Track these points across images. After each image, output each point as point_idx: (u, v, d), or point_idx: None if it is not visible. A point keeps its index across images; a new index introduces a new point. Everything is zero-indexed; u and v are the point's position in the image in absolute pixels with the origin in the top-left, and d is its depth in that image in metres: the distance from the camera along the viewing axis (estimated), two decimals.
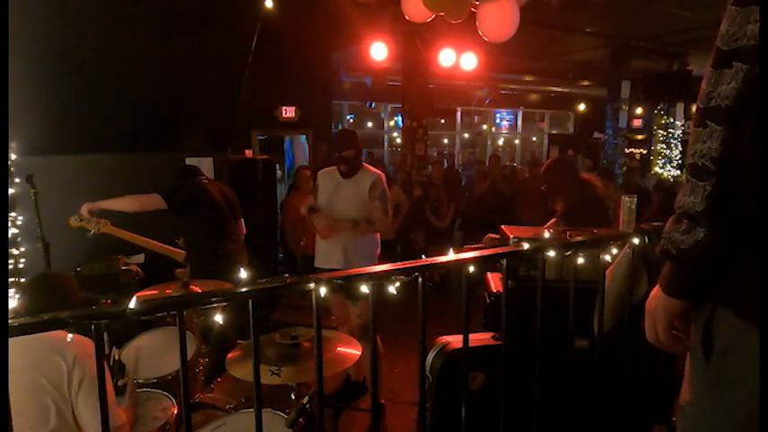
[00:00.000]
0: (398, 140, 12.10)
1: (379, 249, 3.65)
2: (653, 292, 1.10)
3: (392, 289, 1.41)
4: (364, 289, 1.36)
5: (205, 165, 4.44)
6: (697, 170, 0.96)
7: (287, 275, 1.31)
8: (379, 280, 1.38)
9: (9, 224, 3.71)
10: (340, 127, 12.78)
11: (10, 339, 1.47)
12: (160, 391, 2.39)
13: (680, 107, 12.01)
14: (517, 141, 16.14)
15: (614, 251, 1.88)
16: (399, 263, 1.43)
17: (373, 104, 11.21)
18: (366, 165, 3.66)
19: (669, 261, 1.04)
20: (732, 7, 0.93)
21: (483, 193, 6.93)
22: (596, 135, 13.70)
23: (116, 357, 2.47)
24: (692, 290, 1.02)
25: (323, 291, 1.28)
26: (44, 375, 1.75)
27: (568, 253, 1.75)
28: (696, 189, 0.96)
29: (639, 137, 12.20)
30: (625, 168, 9.72)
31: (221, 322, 1.58)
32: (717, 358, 0.98)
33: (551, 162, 4.15)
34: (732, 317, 0.95)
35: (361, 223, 3.40)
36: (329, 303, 3.59)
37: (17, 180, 3.71)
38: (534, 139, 16.69)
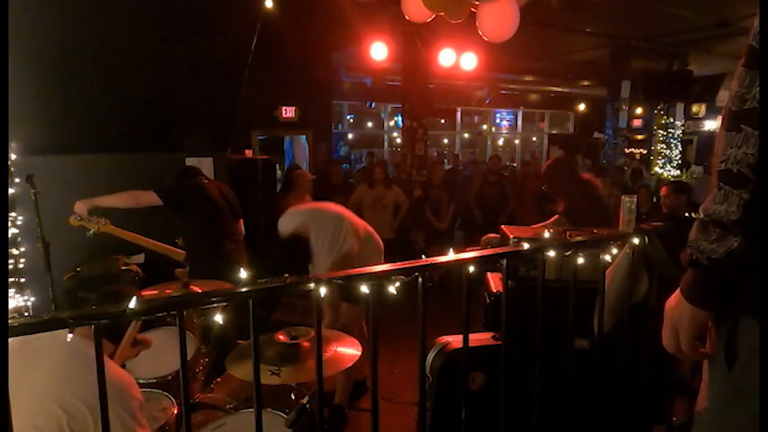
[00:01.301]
0: (398, 140, 12.10)
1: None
2: (672, 302, 1.05)
3: (392, 289, 1.41)
4: (364, 289, 1.36)
5: (205, 165, 4.44)
6: (732, 177, 0.91)
7: (287, 275, 1.31)
8: (379, 280, 1.38)
9: (9, 224, 3.71)
10: (339, 128, 12.79)
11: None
12: (160, 391, 2.39)
13: (680, 107, 12.03)
14: (517, 141, 16.15)
15: (614, 251, 1.88)
16: (399, 263, 1.43)
17: (373, 104, 11.22)
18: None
19: (697, 271, 0.99)
20: None
21: (483, 193, 6.91)
22: (596, 135, 13.71)
23: None
24: (720, 300, 0.98)
25: (323, 291, 1.28)
26: (68, 415, 1.60)
27: (568, 253, 1.75)
28: (730, 197, 0.91)
29: (639, 137, 12.22)
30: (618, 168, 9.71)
31: (221, 322, 1.57)
32: (740, 368, 0.95)
33: (552, 162, 4.15)
34: (758, 326, 0.92)
35: None
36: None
37: (17, 180, 3.71)
38: (534, 139, 16.70)
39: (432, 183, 6.88)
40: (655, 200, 7.79)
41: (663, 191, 4.04)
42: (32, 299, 3.80)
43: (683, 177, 11.47)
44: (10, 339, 0.95)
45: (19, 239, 3.80)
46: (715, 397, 1.02)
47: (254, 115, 7.29)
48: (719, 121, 0.98)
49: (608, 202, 5.35)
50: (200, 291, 2.50)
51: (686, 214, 3.82)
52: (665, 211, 3.93)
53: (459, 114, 14.43)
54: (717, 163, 0.94)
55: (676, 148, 12.07)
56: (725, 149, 0.92)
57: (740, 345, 0.95)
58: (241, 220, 3.91)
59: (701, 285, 0.99)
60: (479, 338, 2.46)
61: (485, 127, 15.44)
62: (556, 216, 3.67)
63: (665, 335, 1.07)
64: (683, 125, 12.16)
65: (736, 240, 0.91)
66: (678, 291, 1.04)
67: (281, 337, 2.19)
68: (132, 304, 1.10)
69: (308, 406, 2.02)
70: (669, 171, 11.83)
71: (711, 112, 13.01)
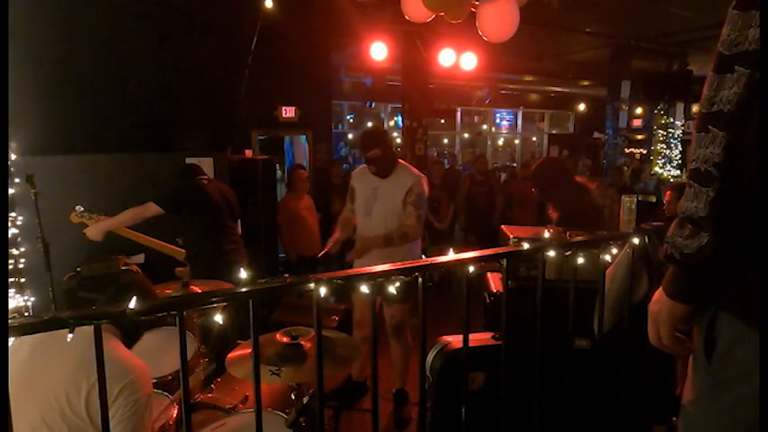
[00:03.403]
0: (398, 140, 12.10)
1: (419, 249, 3.49)
2: (656, 296, 1.10)
3: (392, 289, 1.41)
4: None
5: (205, 165, 4.44)
6: (699, 175, 0.96)
7: (287, 275, 1.31)
8: (379, 280, 1.38)
9: (9, 224, 3.71)
10: (339, 128, 12.79)
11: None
12: (160, 391, 2.39)
13: (680, 107, 12.02)
14: (517, 141, 16.15)
15: (614, 251, 1.88)
16: (399, 263, 1.43)
17: (373, 104, 11.22)
18: (405, 164, 3.44)
19: (673, 265, 1.04)
20: (733, 11, 0.92)
21: (472, 194, 6.90)
22: (596, 135, 13.72)
23: None
24: (696, 294, 1.02)
25: (323, 291, 1.29)
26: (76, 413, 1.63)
27: (568, 253, 1.75)
28: (699, 194, 0.96)
29: (639, 137, 12.21)
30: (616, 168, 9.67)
31: (221, 322, 1.58)
32: (718, 360, 0.98)
33: (541, 163, 3.77)
34: (733, 319, 0.95)
35: (394, 238, 3.22)
36: (354, 304, 3.60)
37: (17, 180, 3.71)
38: (534, 139, 16.70)
39: (432, 183, 6.87)
40: (655, 200, 7.79)
41: (667, 196, 3.96)
42: (32, 299, 3.80)
43: (683, 177, 11.45)
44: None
45: (19, 239, 3.80)
46: (697, 389, 1.06)
47: (254, 115, 7.29)
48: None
49: (604, 203, 5.29)
50: (200, 291, 2.50)
51: None
52: (667, 215, 3.85)
53: (459, 114, 14.43)
54: (689, 162, 1.00)
55: (676, 148, 12.06)
56: (695, 150, 0.98)
57: (717, 337, 0.99)
58: (237, 222, 3.91)
59: (677, 279, 1.04)
60: (479, 338, 2.46)
61: (485, 127, 15.45)
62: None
63: (649, 328, 1.12)
64: (683, 125, 12.16)
65: (706, 236, 0.96)
66: (661, 285, 1.09)
67: (281, 336, 2.19)
68: (132, 304, 1.10)
69: (307, 405, 2.02)
70: (669, 171, 11.83)
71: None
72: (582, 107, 14.25)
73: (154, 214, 3.38)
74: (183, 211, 3.52)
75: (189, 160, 4.36)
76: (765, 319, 0.89)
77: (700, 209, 0.96)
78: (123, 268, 3.89)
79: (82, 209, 3.43)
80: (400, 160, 3.45)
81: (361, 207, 3.44)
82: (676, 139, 12.03)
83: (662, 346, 1.10)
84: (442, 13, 3.62)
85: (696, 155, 0.97)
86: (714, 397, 1.00)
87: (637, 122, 12.23)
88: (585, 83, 13.02)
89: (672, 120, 11.91)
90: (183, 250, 3.65)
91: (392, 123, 13.75)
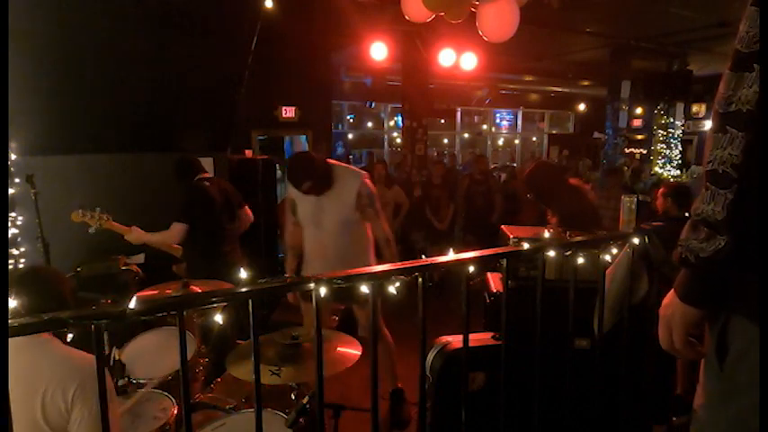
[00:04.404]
0: (398, 140, 12.10)
1: (372, 253, 3.42)
2: (667, 300, 1.08)
3: (392, 289, 1.41)
4: (364, 289, 1.36)
5: (205, 165, 4.44)
6: (717, 177, 0.93)
7: (287, 275, 1.31)
8: (379, 280, 1.38)
9: (9, 224, 3.71)
10: (339, 128, 12.79)
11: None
12: (160, 391, 2.39)
13: (680, 107, 12.04)
14: (517, 141, 16.16)
15: (614, 251, 1.88)
16: (399, 263, 1.43)
17: (373, 104, 11.23)
18: (339, 165, 3.28)
19: (687, 269, 1.01)
20: (752, 8, 0.90)
21: (471, 193, 6.89)
22: (596, 135, 13.73)
23: (116, 357, 2.48)
24: (710, 298, 1.00)
25: (323, 291, 1.28)
26: (44, 416, 1.59)
27: (568, 253, 1.75)
28: (716, 197, 0.93)
29: (639, 137, 12.23)
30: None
31: (221, 322, 1.57)
32: (730, 365, 0.97)
33: (533, 169, 3.68)
34: (746, 324, 0.94)
35: (393, 247, 3.31)
36: (302, 310, 3.34)
37: (17, 180, 3.72)
38: (534, 139, 16.71)
39: (432, 183, 6.88)
40: (650, 200, 7.80)
41: (657, 194, 3.95)
42: None
43: (683, 177, 11.47)
44: None
45: (19, 239, 3.80)
46: (709, 394, 1.04)
47: (254, 115, 7.29)
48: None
49: (607, 204, 5.28)
50: (200, 291, 2.50)
51: (686, 214, 3.74)
52: (660, 213, 3.85)
53: (459, 114, 14.44)
54: (705, 164, 0.97)
55: (676, 148, 12.08)
56: (712, 150, 0.94)
57: (730, 342, 0.97)
58: (246, 209, 3.93)
59: (691, 283, 1.01)
60: (479, 338, 2.46)
61: (485, 127, 15.46)
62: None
63: (659, 332, 1.09)
64: (683, 125, 12.17)
65: (723, 239, 0.92)
66: (673, 289, 1.06)
67: (281, 337, 2.19)
68: (132, 304, 1.10)
69: (307, 406, 2.02)
70: (669, 171, 11.84)
71: (711, 112, 13.02)
72: (582, 107, 14.27)
73: (181, 231, 3.42)
74: (184, 212, 3.52)
75: None
76: (765, 319, 0.89)
77: (717, 212, 0.92)
78: (123, 268, 3.91)
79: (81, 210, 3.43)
80: (329, 161, 3.24)
81: (308, 219, 3.26)
82: (676, 139, 12.04)
83: (673, 350, 1.07)
84: (442, 13, 3.61)
85: (713, 156, 0.93)
86: (725, 402, 0.98)
87: (637, 122, 12.24)
88: (585, 83, 13.03)
89: (672, 120, 11.92)
90: (180, 248, 3.65)
91: (392, 123, 13.76)
